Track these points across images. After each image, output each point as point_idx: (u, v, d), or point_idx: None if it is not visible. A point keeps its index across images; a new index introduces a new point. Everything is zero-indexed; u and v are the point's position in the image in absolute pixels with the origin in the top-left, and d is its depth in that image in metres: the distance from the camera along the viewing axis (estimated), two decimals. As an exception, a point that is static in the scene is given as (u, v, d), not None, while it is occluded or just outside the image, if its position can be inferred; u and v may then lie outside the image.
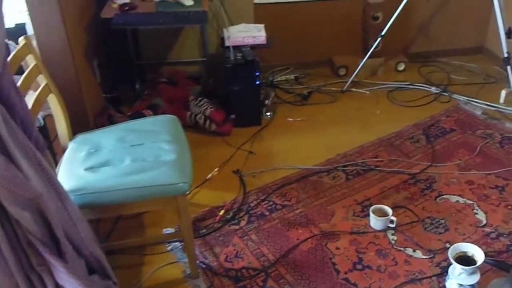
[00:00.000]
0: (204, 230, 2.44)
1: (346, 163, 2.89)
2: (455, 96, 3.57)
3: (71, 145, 2.17)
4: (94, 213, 2.00)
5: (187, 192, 2.04)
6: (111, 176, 1.97)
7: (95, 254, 1.81)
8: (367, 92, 3.63)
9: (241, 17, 3.43)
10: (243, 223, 2.49)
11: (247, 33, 3.20)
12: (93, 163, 2.04)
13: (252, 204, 2.60)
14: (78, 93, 2.76)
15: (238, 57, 3.10)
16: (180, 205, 2.01)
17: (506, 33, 3.51)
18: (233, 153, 2.99)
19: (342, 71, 3.79)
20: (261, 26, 3.28)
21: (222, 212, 2.53)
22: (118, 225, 2.47)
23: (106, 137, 2.20)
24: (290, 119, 3.32)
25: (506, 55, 3.06)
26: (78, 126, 2.35)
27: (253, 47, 3.19)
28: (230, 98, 3.17)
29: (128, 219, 2.49)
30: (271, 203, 2.61)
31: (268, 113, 3.34)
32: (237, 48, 3.15)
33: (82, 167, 2.02)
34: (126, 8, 2.95)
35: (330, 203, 2.60)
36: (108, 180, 1.95)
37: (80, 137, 2.22)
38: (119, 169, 2.00)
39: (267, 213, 2.55)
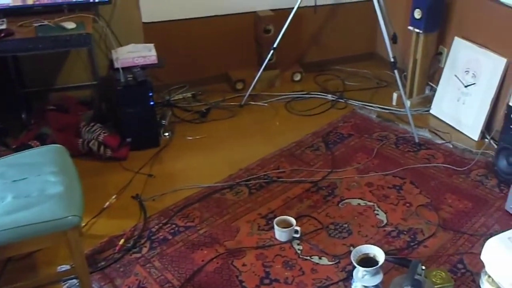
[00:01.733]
0: (103, 263, 2.30)
1: (248, 177, 2.85)
2: (350, 102, 3.66)
3: None
4: (-26, 259, 1.83)
5: (81, 225, 1.91)
6: (-9, 217, 1.81)
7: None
8: (266, 105, 3.64)
9: (130, 37, 3.32)
10: (145, 250, 2.37)
11: (137, 54, 3.10)
12: (-31, 204, 1.86)
13: (153, 230, 2.49)
14: (-47, 129, 2.53)
15: (129, 79, 2.99)
16: (71, 240, 1.88)
17: (391, 39, 3.66)
18: (131, 177, 2.86)
19: (239, 85, 3.78)
20: (151, 45, 3.20)
21: (122, 241, 2.40)
22: (8, 268, 2.27)
23: (-16, 174, 2.02)
24: (190, 138, 3.25)
25: (392, 60, 3.18)
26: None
27: (144, 67, 3.09)
28: (124, 121, 3.05)
29: (18, 260, 2.30)
30: (173, 226, 2.52)
31: (166, 133, 3.25)
32: (127, 69, 3.04)
33: (-44, 209, 1.84)
34: (2, 34, 2.76)
35: (234, 220, 2.55)
36: (-14, 221, 1.79)
37: (-47, 177, 2.02)
38: (-1, 208, 1.85)
39: (170, 237, 2.45)
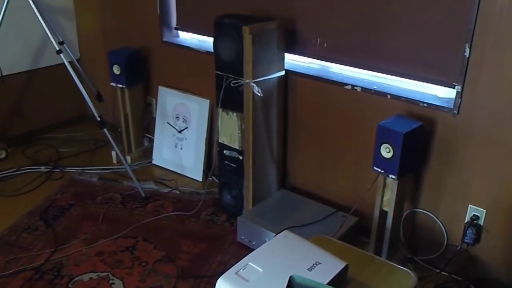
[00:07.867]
0: None
1: (-49, 286, 2.36)
2: (67, 169, 3.40)
3: None
4: None
5: None
6: None
7: None
8: (-33, 195, 3.13)
9: None
10: None
11: None
12: None
13: None
14: None
15: None
16: None
17: (96, 98, 3.55)
18: None
19: None
20: None
21: None
22: None
23: None
24: None
25: (99, 119, 3.04)
26: None
27: None
28: None
29: None
30: None
31: None
32: None
33: None
34: None
35: None
36: None
37: None
38: None
39: None
